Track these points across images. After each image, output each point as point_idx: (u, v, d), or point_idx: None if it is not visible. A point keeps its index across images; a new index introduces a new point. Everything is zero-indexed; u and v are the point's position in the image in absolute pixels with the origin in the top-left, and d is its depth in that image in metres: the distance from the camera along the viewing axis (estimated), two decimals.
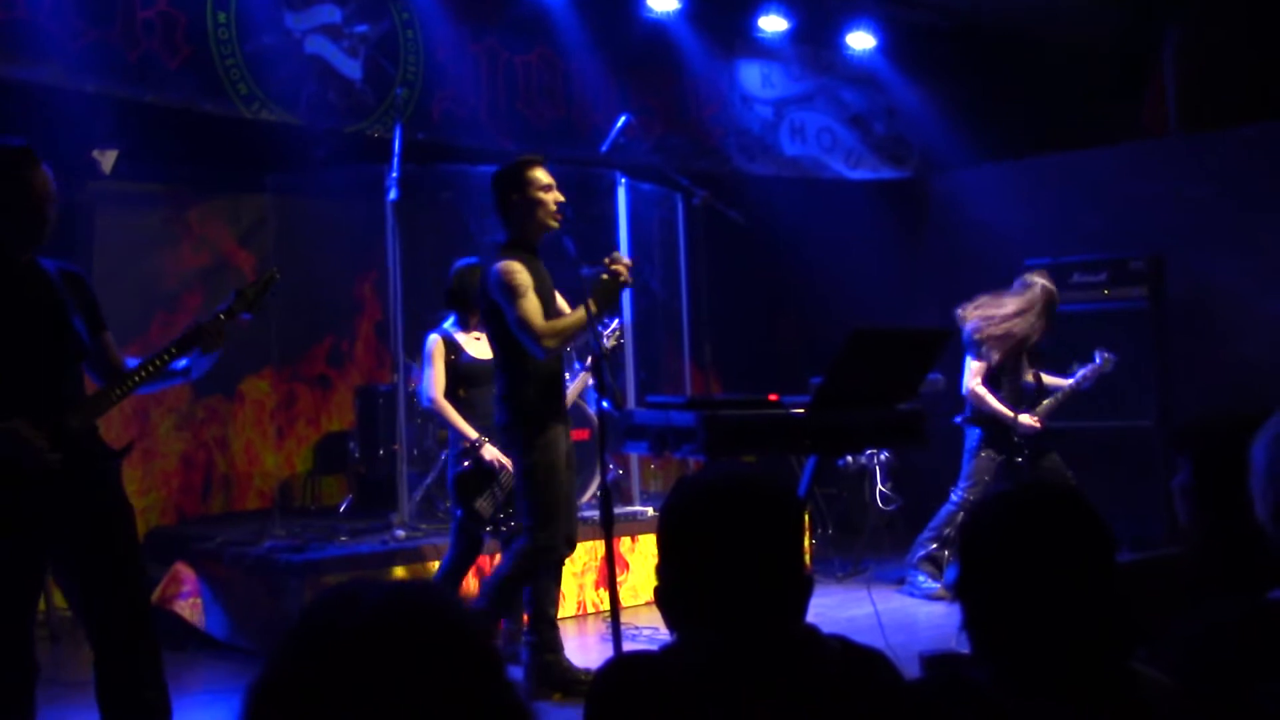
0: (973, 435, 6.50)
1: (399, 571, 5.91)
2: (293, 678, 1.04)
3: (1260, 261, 7.49)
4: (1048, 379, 6.53)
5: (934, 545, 6.58)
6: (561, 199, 4.72)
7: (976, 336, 6.38)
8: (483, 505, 5.18)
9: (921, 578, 6.59)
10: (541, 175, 4.73)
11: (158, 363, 3.49)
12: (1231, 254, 7.60)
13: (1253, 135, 7.66)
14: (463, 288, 5.48)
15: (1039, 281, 6.48)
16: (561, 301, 4.89)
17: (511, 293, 4.51)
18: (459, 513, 5.21)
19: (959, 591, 1.82)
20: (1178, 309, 7.69)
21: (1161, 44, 8.77)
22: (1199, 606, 2.10)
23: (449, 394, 5.39)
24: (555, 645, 4.88)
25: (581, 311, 4.37)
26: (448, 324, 5.59)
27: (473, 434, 5.26)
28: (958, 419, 6.56)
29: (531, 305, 4.49)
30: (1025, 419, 6.32)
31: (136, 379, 3.46)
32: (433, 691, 1.03)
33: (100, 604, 3.39)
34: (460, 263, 5.63)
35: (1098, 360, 6.41)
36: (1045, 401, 6.43)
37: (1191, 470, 2.57)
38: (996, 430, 6.40)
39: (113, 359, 3.60)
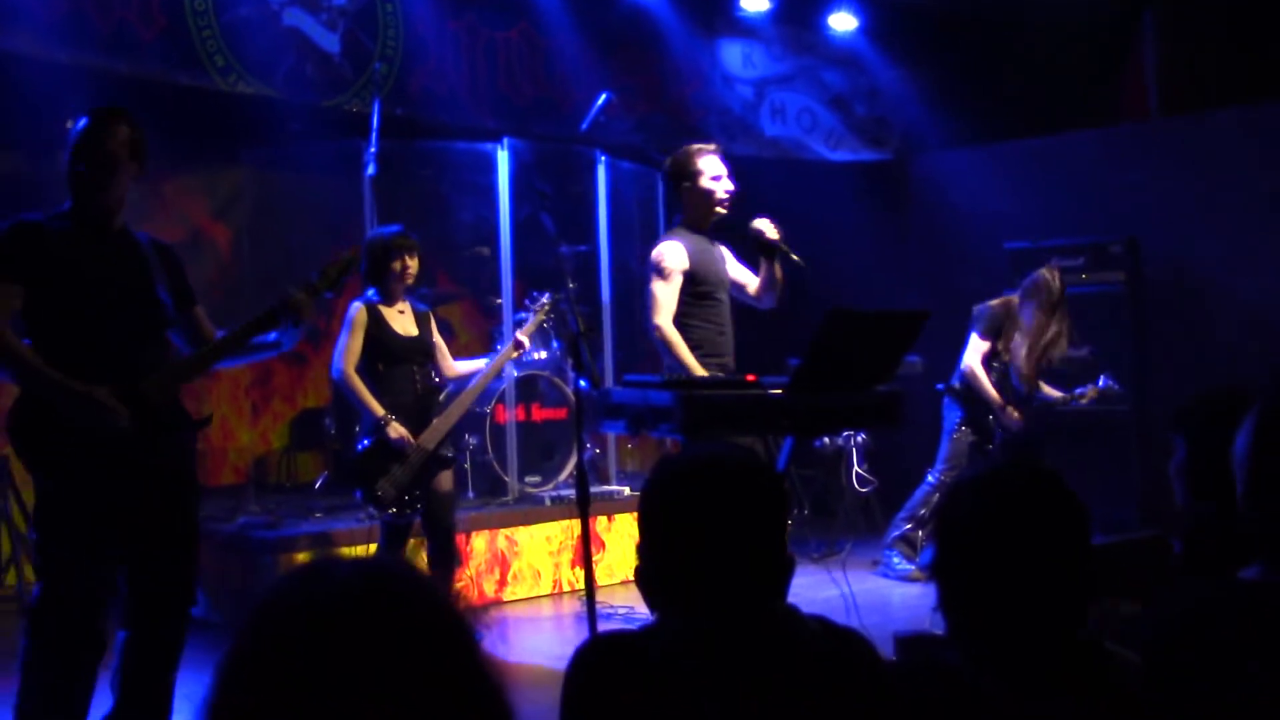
0: (952, 417, 6.50)
1: (374, 549, 5.89)
2: (264, 651, 1.03)
3: (1237, 246, 7.52)
4: (1044, 386, 6.51)
5: (909, 526, 6.60)
6: (731, 188, 5.12)
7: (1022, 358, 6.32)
8: (383, 486, 4.91)
9: (896, 559, 6.62)
10: (709, 165, 5.09)
11: (241, 336, 3.50)
12: (1209, 238, 7.64)
13: (1231, 119, 7.69)
14: (363, 257, 5.04)
15: (1048, 282, 6.38)
16: (738, 270, 5.32)
17: (655, 271, 4.97)
18: (358, 494, 5.00)
19: (935, 572, 1.82)
20: (1155, 293, 7.72)
21: (1140, 28, 8.78)
22: (1175, 586, 2.11)
23: (367, 368, 5.05)
24: None
25: (691, 362, 4.83)
26: (371, 292, 5.15)
27: (379, 410, 4.94)
28: (939, 386, 6.55)
29: (663, 290, 4.94)
30: (1010, 411, 6.33)
31: (218, 352, 3.50)
32: (406, 665, 1.01)
33: (148, 583, 3.37)
34: (377, 231, 5.27)
35: (1101, 384, 6.38)
36: (1034, 406, 6.43)
37: (1186, 449, 2.58)
38: (977, 412, 6.41)
39: (205, 333, 3.60)
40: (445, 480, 5.14)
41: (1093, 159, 8.20)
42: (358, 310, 5.05)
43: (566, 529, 6.55)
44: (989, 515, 1.76)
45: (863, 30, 8.72)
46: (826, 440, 7.68)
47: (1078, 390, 6.40)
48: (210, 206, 7.97)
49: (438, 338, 5.30)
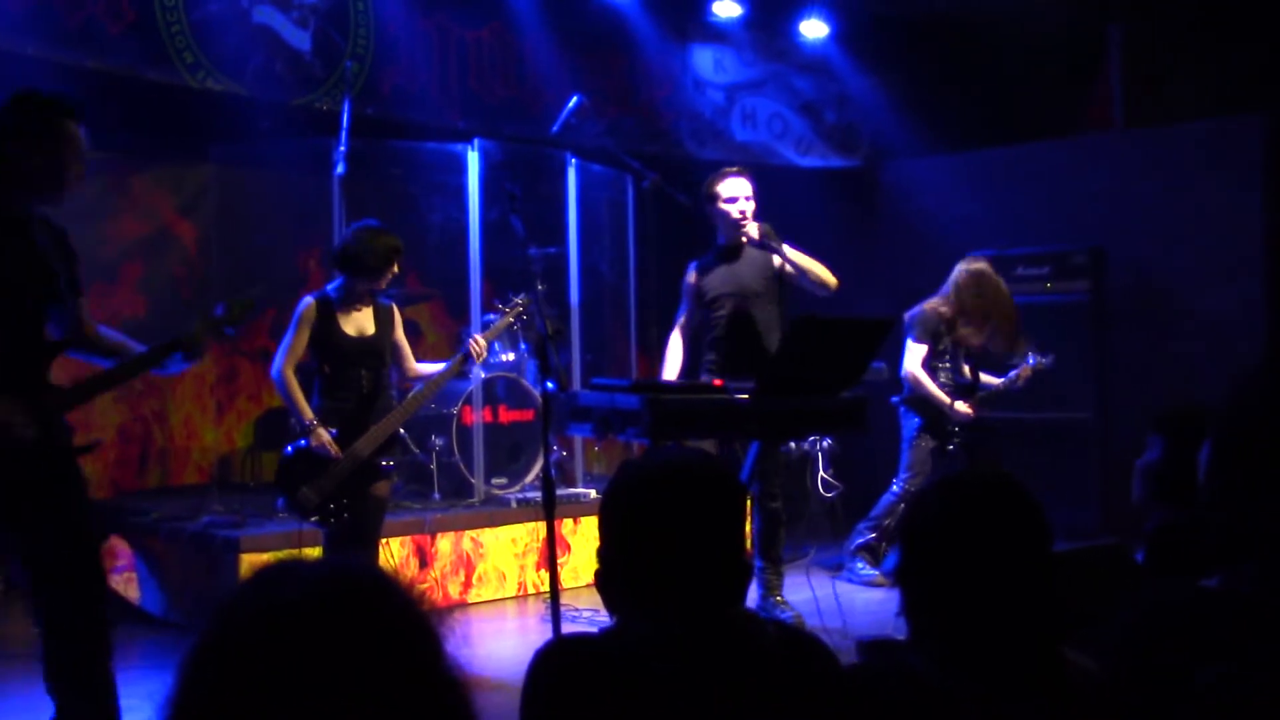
0: (910, 425, 6.55)
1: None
2: (226, 654, 1.02)
3: (1200, 257, 7.61)
4: (984, 377, 6.58)
5: (872, 535, 6.63)
6: (746, 210, 5.48)
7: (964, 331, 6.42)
8: (306, 493, 4.71)
9: (860, 565, 6.65)
10: (724, 189, 5.52)
11: (138, 366, 3.47)
12: (1173, 249, 7.72)
13: (1195, 132, 7.77)
14: (361, 251, 4.81)
15: (959, 268, 6.53)
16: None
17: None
18: (280, 501, 4.82)
19: (899, 577, 1.84)
20: (1118, 303, 7.80)
21: (1107, 39, 8.88)
22: (1138, 593, 2.13)
23: (315, 368, 4.86)
24: None
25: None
26: (331, 287, 4.90)
27: (308, 415, 4.72)
28: (894, 399, 6.62)
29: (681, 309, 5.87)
30: (960, 405, 6.38)
31: (117, 378, 3.46)
32: (369, 666, 1.01)
33: (51, 585, 3.30)
34: (361, 223, 4.94)
35: (1030, 361, 6.47)
36: (979, 395, 6.49)
37: (1162, 451, 2.61)
38: (934, 417, 6.46)
39: (87, 328, 3.50)
40: (381, 489, 4.96)
41: (1059, 169, 8.28)
42: (307, 306, 4.82)
43: (532, 531, 6.54)
44: (951, 520, 1.78)
45: (833, 37, 8.77)
46: (792, 446, 7.71)
47: (1010, 374, 6.47)
48: (177, 203, 7.92)
49: (400, 336, 5.03)
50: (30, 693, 3.97)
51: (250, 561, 5.57)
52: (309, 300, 4.84)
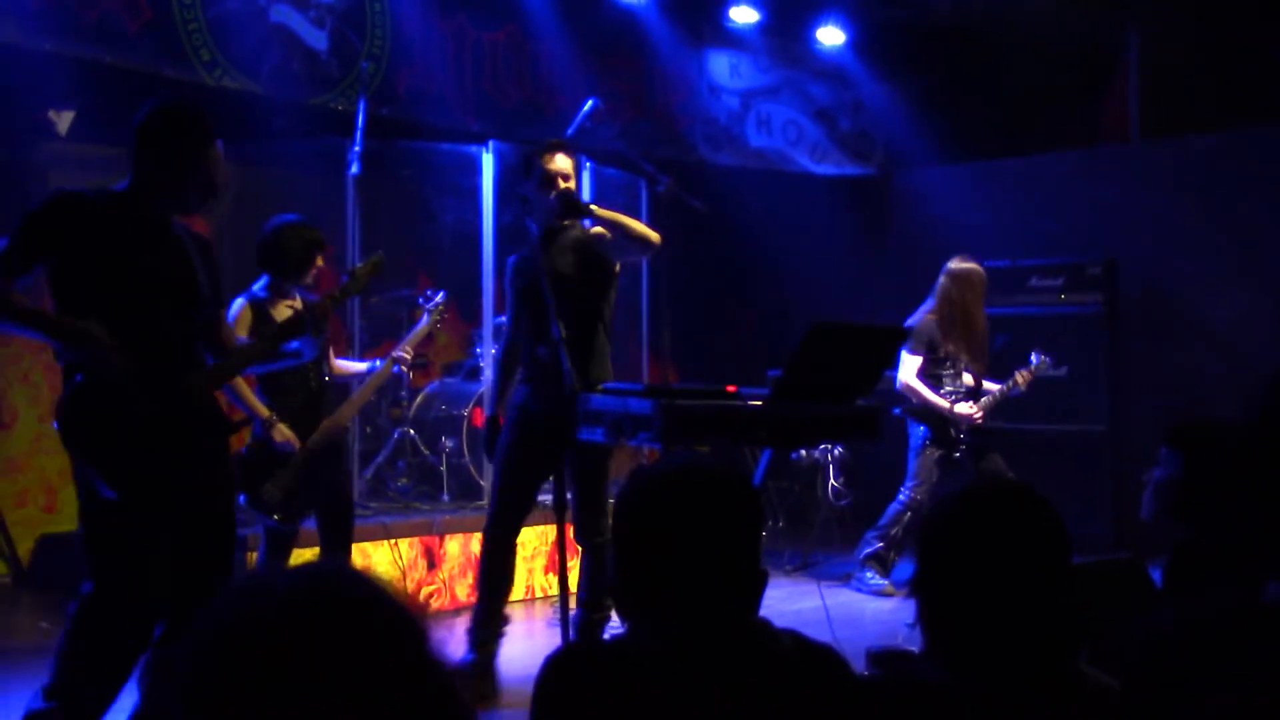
0: (917, 434, 6.52)
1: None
2: (207, 678, 0.99)
3: (1215, 269, 7.58)
4: (987, 383, 6.56)
5: (881, 545, 6.60)
6: (565, 188, 4.63)
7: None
8: (269, 490, 4.70)
9: (869, 574, 6.62)
10: (552, 164, 4.63)
11: (271, 342, 3.57)
12: (1187, 261, 7.69)
13: (1211, 144, 7.75)
14: (281, 247, 4.81)
15: (949, 269, 6.51)
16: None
17: None
18: (242, 499, 4.72)
19: (915, 587, 1.82)
20: (1132, 314, 7.77)
21: (1124, 51, 8.85)
22: (1158, 609, 2.11)
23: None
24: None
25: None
26: (257, 287, 4.87)
27: (264, 412, 4.68)
28: (897, 410, 6.59)
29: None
30: (962, 408, 6.35)
31: (249, 358, 3.58)
32: (356, 677, 0.99)
33: (188, 575, 3.31)
34: (279, 219, 4.92)
35: (1034, 361, 6.44)
36: (982, 399, 6.46)
37: (1181, 467, 2.59)
38: (939, 426, 6.44)
39: (225, 335, 3.60)
40: (342, 482, 5.00)
41: (1074, 179, 8.26)
42: (241, 308, 4.76)
43: (541, 534, 6.53)
44: (970, 530, 1.76)
45: (850, 45, 8.75)
46: (803, 453, 7.69)
47: (1012, 376, 6.44)
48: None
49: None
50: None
51: (253, 560, 5.56)
52: (242, 301, 4.80)
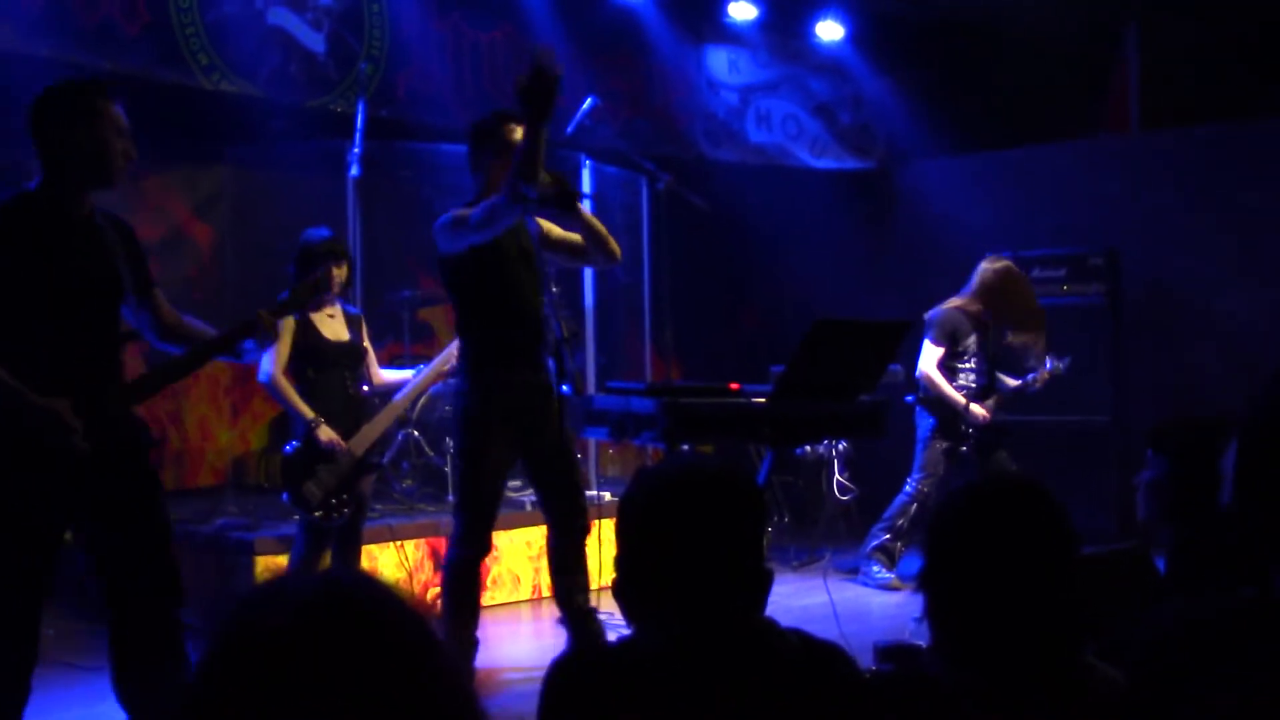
0: (925, 425, 6.52)
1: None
2: (222, 690, 0.99)
3: (1217, 260, 7.57)
4: (1002, 377, 6.56)
5: (887, 536, 6.60)
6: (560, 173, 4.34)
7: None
8: (310, 489, 4.85)
9: (876, 568, 6.61)
10: (516, 134, 4.32)
11: (204, 354, 3.43)
12: (1189, 252, 7.68)
13: (1212, 135, 7.74)
14: (308, 258, 4.89)
15: (983, 267, 6.52)
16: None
17: None
18: (285, 496, 4.93)
19: (922, 582, 1.82)
20: (1134, 305, 7.76)
21: (1123, 42, 8.84)
22: (1163, 604, 2.10)
23: (297, 374, 4.97)
24: None
25: None
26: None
27: (309, 414, 4.87)
28: (909, 398, 6.58)
29: None
30: (975, 408, 6.37)
31: (182, 368, 3.40)
32: (369, 683, 0.99)
33: (127, 592, 3.25)
34: (311, 232, 5.07)
35: (1049, 365, 6.45)
36: (994, 396, 6.48)
37: (1168, 468, 2.58)
38: (948, 418, 6.44)
39: (167, 318, 3.46)
40: (366, 485, 5.10)
41: (1075, 170, 8.25)
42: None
43: (547, 534, 6.51)
44: (978, 525, 1.76)
45: (849, 39, 8.74)
46: (807, 448, 7.68)
47: (1029, 376, 6.46)
48: (191, 204, 7.92)
49: (368, 344, 5.22)
50: (54, 694, 3.97)
51: (265, 563, 5.57)
52: None
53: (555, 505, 4.54)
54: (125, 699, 3.26)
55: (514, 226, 4.34)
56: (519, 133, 4.22)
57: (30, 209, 3.18)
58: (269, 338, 3.47)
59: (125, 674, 3.25)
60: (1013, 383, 6.51)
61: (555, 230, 4.59)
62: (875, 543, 6.63)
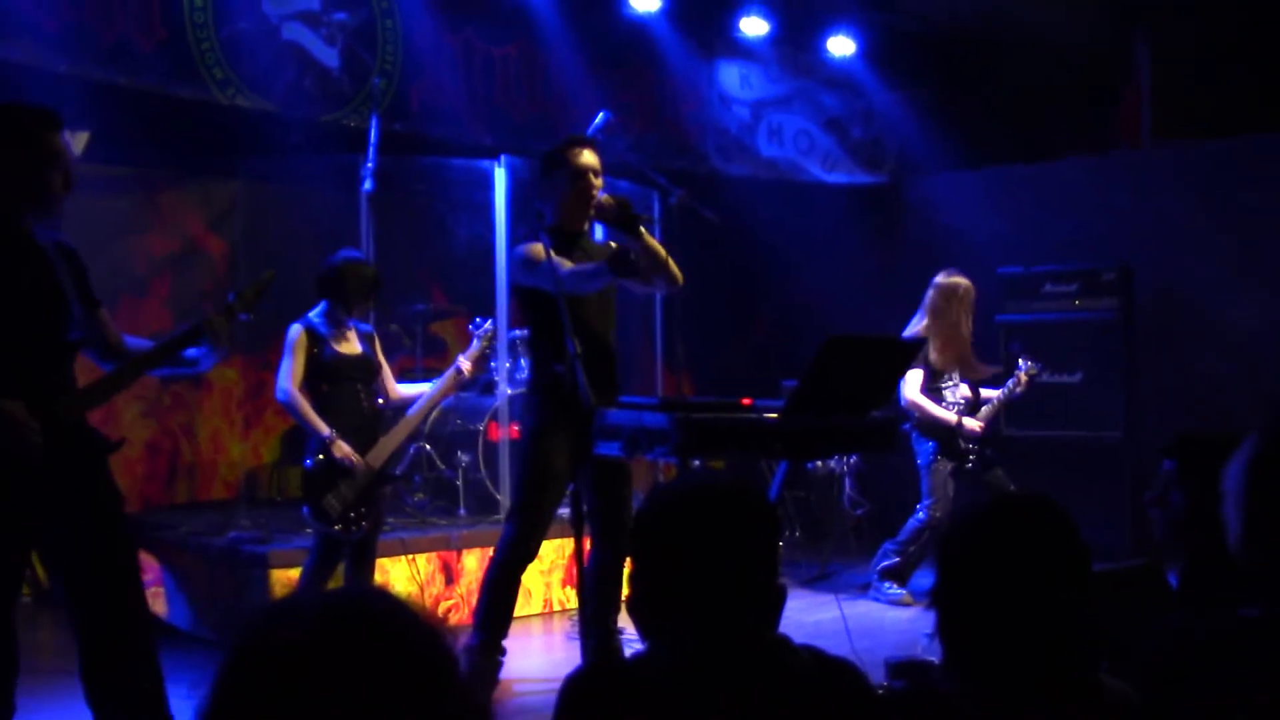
0: (925, 451, 6.50)
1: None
2: (239, 703, 1.00)
3: (1230, 275, 7.55)
4: (985, 391, 6.56)
5: (897, 560, 6.56)
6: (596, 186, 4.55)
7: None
8: (330, 502, 4.93)
9: (887, 585, 6.60)
10: (580, 159, 4.53)
11: (156, 357, 3.43)
12: (1201, 265, 7.66)
13: (1224, 148, 7.72)
14: (341, 281, 5.04)
15: (937, 282, 6.53)
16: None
17: None
18: (305, 510, 5.01)
19: (934, 598, 1.82)
20: (1147, 320, 7.74)
21: (1135, 55, 8.83)
22: (1170, 619, 2.10)
23: (311, 389, 5.05)
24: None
25: None
26: (314, 314, 5.12)
27: (325, 430, 4.96)
28: (905, 426, 6.56)
29: None
30: (968, 422, 6.36)
31: (134, 372, 3.39)
32: (385, 697, 0.99)
33: (88, 595, 3.26)
34: (345, 254, 5.18)
35: (1022, 367, 6.45)
36: (983, 409, 6.47)
37: (1179, 484, 2.57)
38: (945, 439, 6.43)
39: (110, 337, 3.48)
40: (383, 499, 5.19)
41: (1087, 185, 8.23)
42: (298, 334, 5.01)
43: (558, 548, 6.52)
44: (991, 542, 1.76)
45: (860, 54, 8.75)
46: (819, 463, 7.67)
47: (1008, 383, 6.44)
48: (205, 218, 7.96)
49: (382, 358, 5.29)
50: (60, 704, 3.98)
51: (278, 576, 5.59)
52: (298, 327, 5.04)
53: (605, 522, 4.58)
54: (92, 702, 3.28)
55: (588, 253, 4.58)
56: (585, 156, 4.53)
57: None
58: (220, 343, 3.47)
59: (91, 676, 3.26)
60: (994, 393, 6.51)
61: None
62: (886, 563, 6.61)
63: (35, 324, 3.24)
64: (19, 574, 3.25)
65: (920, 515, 6.52)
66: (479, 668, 4.53)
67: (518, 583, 4.65)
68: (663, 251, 4.52)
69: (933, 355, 6.45)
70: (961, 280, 6.54)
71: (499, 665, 4.60)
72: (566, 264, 4.34)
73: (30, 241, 3.30)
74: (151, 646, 3.34)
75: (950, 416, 6.37)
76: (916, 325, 6.56)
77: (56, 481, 3.20)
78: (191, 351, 3.50)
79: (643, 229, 4.44)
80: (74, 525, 3.25)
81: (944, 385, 6.48)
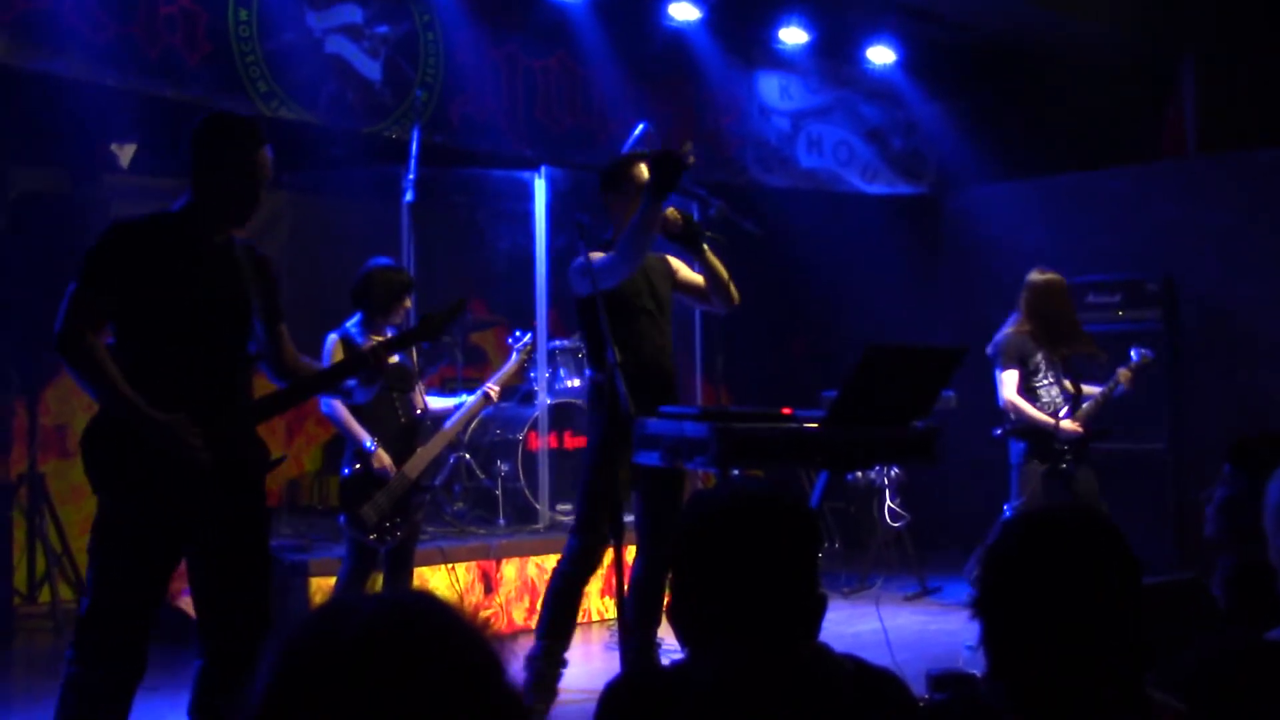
0: (1016, 450, 6.31)
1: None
2: (286, 708, 1.01)
3: (1274, 285, 7.46)
4: (1086, 388, 6.38)
5: None
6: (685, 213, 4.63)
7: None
8: (367, 511, 4.97)
9: None
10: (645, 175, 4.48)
11: (326, 381, 3.55)
12: (1246, 278, 7.58)
13: (1269, 160, 7.64)
14: (371, 288, 5.10)
15: (1029, 281, 6.38)
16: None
17: None
18: (342, 518, 5.04)
19: (979, 609, 1.81)
20: (1191, 332, 7.66)
21: (1180, 66, 8.75)
22: (1215, 633, 2.08)
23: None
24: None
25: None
26: (351, 324, 5.16)
27: (366, 439, 5.03)
28: (996, 432, 6.41)
29: None
30: (1067, 424, 6.17)
31: (301, 394, 3.51)
32: (432, 704, 1.00)
33: (222, 611, 3.29)
34: (375, 261, 5.22)
35: (1134, 357, 6.28)
36: (1084, 406, 6.28)
37: (1248, 485, 2.54)
38: (1039, 440, 6.25)
39: (287, 354, 3.52)
40: (419, 510, 5.23)
41: (1130, 196, 8.17)
42: (334, 344, 5.04)
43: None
44: (1037, 553, 1.74)
45: (900, 64, 8.72)
46: (859, 474, 7.63)
47: (1116, 373, 6.28)
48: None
49: (415, 368, 5.34)
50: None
51: (318, 585, 5.63)
52: (334, 337, 5.08)
53: (655, 534, 4.63)
54: (195, 715, 3.30)
55: (652, 277, 4.61)
56: (646, 171, 4.44)
57: (168, 229, 3.29)
58: (374, 375, 3.55)
59: (204, 704, 3.28)
60: (1096, 390, 6.33)
61: (684, 271, 4.85)
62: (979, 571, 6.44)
63: (214, 336, 3.28)
64: (166, 577, 3.29)
65: (1006, 514, 6.38)
66: (541, 675, 4.57)
67: (581, 593, 4.70)
68: (724, 272, 4.60)
69: (1038, 356, 6.28)
70: (1054, 275, 6.40)
71: (560, 674, 4.63)
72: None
73: (226, 253, 3.36)
74: (257, 659, 3.36)
75: (1048, 419, 6.19)
76: (1008, 327, 6.38)
77: (215, 492, 3.23)
78: (349, 381, 3.58)
79: (706, 246, 4.52)
80: (222, 536, 3.28)
81: (1039, 385, 6.31)
